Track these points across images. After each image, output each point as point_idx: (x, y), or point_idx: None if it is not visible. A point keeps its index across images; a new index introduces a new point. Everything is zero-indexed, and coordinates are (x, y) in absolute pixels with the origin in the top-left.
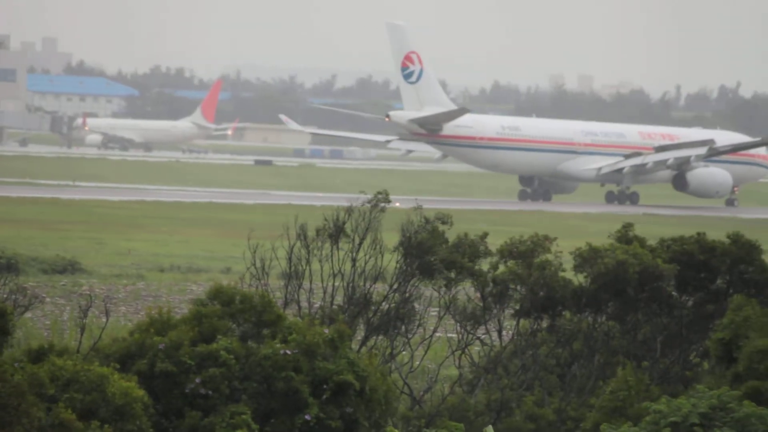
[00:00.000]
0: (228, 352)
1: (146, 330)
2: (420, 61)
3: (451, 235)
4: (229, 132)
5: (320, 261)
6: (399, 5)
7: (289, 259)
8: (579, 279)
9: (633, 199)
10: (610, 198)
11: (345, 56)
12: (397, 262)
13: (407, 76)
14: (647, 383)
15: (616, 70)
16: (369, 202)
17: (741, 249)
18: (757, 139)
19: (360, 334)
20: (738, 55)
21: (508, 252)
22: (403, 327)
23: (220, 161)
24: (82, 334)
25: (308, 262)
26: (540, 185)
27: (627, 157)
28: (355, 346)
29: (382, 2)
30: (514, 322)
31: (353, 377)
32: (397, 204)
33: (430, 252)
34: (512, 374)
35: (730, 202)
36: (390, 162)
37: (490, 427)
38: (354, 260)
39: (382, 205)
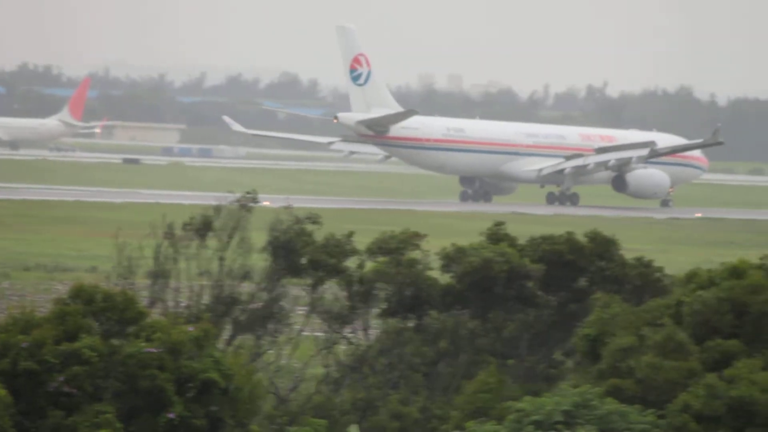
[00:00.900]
0: (91, 351)
1: (9, 329)
2: (368, 64)
3: (324, 234)
4: (97, 130)
5: (187, 260)
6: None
7: (156, 258)
8: (446, 278)
9: (573, 200)
10: (551, 199)
11: (214, 54)
12: (264, 261)
13: (355, 78)
14: (511, 382)
15: (485, 70)
16: (237, 201)
17: (599, 246)
18: (699, 140)
19: (227, 333)
20: (605, 56)
21: (377, 249)
22: (270, 326)
23: (88, 160)
24: None
25: (175, 260)
26: (481, 186)
27: (568, 158)
28: (222, 345)
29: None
30: (381, 321)
31: (218, 376)
32: (267, 203)
33: (297, 251)
34: (378, 373)
35: (665, 203)
36: (260, 162)
37: (355, 425)
38: (221, 259)
39: (250, 204)
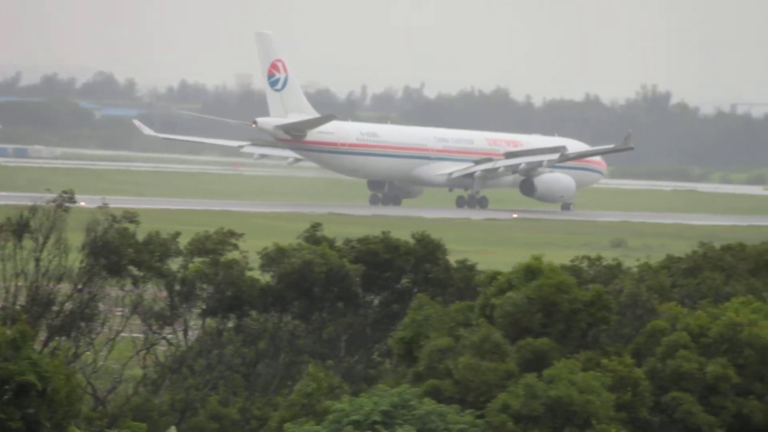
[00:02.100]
0: None
1: None
2: (285, 69)
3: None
4: None
5: (2, 260)
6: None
7: None
8: (266, 278)
9: (482, 203)
10: (461, 203)
11: (29, 53)
12: (81, 262)
13: (273, 84)
14: (338, 381)
15: (304, 70)
16: (53, 201)
17: (425, 249)
18: (609, 146)
19: (44, 335)
20: (423, 57)
21: (196, 249)
22: (87, 327)
23: None
24: None
25: None
26: (390, 190)
27: (477, 162)
28: (38, 346)
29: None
30: (201, 322)
31: (35, 378)
32: (83, 203)
33: (117, 251)
34: (197, 374)
35: (566, 206)
36: (76, 162)
37: (173, 427)
38: (38, 260)
39: (67, 204)
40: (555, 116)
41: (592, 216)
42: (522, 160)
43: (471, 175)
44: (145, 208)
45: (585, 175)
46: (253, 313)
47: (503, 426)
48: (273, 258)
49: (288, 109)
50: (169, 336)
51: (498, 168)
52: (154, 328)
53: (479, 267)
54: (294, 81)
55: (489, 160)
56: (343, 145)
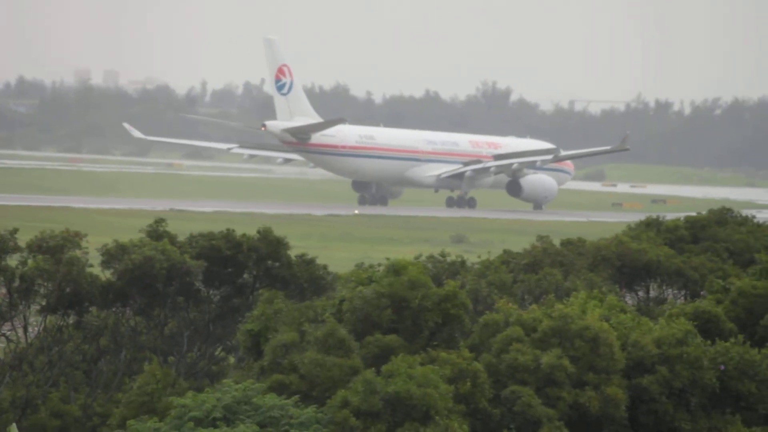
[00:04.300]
0: None
1: None
2: (291, 74)
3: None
4: None
5: None
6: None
7: None
8: (107, 275)
9: (471, 203)
10: (450, 203)
11: None
12: None
13: (280, 88)
14: (174, 377)
15: (143, 66)
16: None
17: (268, 245)
18: (606, 147)
19: None
20: (261, 54)
21: (36, 247)
22: None
23: None
24: None
25: None
26: (377, 191)
27: (467, 164)
28: None
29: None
30: (41, 318)
31: None
32: None
33: None
34: (38, 371)
35: (537, 206)
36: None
37: (14, 425)
38: None
39: None
40: (395, 112)
41: (434, 212)
42: (515, 161)
43: (459, 176)
44: None
45: (559, 176)
46: (93, 310)
47: (346, 422)
48: (113, 254)
49: (293, 112)
50: (8, 333)
51: (490, 168)
52: None
53: (321, 262)
54: (298, 85)
55: (478, 161)
56: (344, 147)
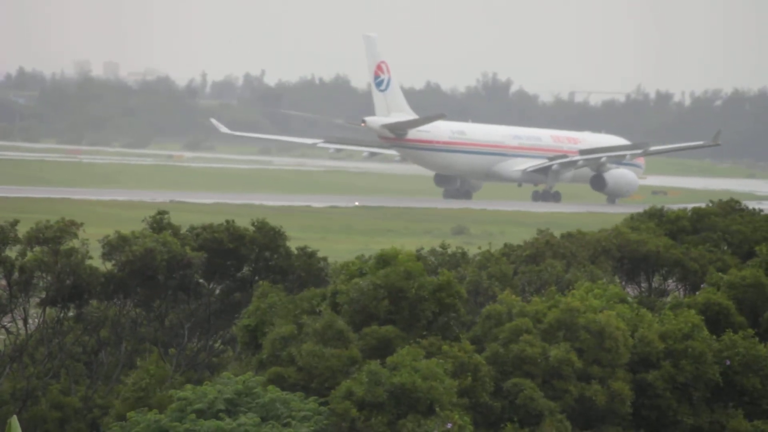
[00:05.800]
0: None
1: None
2: (388, 71)
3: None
4: None
5: None
6: None
7: None
8: (107, 266)
9: (556, 197)
10: (536, 197)
11: None
12: None
13: (378, 84)
14: (169, 372)
15: (143, 57)
16: None
17: (265, 236)
18: (699, 142)
19: None
20: (262, 46)
21: (34, 238)
22: None
23: None
24: None
25: None
26: (461, 185)
27: (552, 158)
28: None
29: None
30: (41, 311)
31: None
32: None
33: None
34: (38, 363)
35: (611, 200)
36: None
37: (14, 417)
38: None
39: None
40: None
41: (434, 203)
42: (603, 155)
43: (542, 170)
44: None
45: (635, 170)
46: (94, 302)
47: (347, 413)
48: (115, 246)
49: (390, 108)
50: (8, 325)
51: (577, 162)
52: None
53: (320, 254)
54: (395, 82)
55: (564, 156)
56: (438, 143)
